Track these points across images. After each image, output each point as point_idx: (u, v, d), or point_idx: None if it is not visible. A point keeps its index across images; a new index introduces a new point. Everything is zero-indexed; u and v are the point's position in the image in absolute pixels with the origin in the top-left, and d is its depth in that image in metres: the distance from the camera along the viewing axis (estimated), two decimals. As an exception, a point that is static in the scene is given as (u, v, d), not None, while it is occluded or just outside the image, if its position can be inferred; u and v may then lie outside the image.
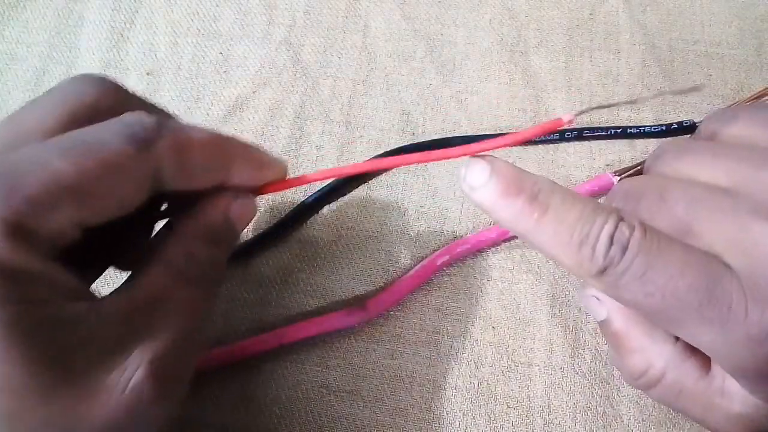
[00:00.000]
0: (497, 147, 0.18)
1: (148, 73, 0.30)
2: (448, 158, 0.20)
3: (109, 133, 0.16)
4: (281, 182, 0.20)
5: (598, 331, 0.25)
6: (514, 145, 0.21)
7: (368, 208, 0.27)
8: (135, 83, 0.30)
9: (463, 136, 0.28)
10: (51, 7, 0.32)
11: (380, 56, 0.30)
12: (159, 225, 0.20)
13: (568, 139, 0.28)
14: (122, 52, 0.31)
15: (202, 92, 0.30)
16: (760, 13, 0.30)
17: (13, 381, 0.14)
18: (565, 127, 0.17)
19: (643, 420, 0.24)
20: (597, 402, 0.24)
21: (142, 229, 0.21)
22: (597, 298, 0.20)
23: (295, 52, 0.31)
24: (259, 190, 0.20)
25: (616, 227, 0.16)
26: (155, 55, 0.31)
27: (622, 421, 0.24)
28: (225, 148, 0.19)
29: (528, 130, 0.18)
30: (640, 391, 0.24)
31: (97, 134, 0.16)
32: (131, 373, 0.16)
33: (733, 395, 0.18)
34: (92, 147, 0.16)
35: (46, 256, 0.15)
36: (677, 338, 0.19)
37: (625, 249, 0.16)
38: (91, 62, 0.31)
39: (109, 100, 0.18)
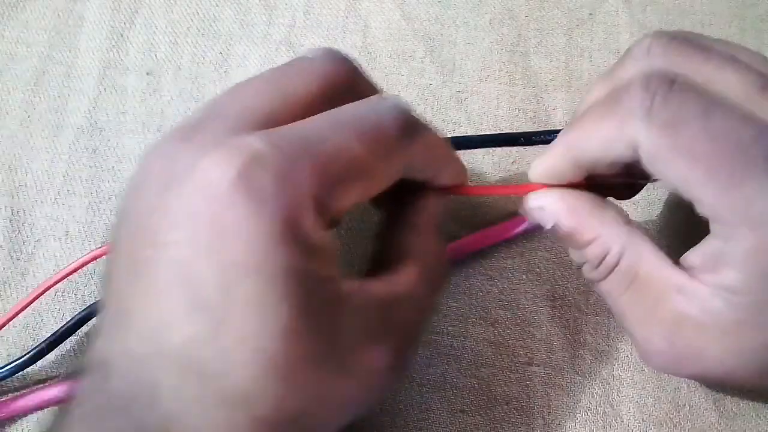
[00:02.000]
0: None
1: (148, 73, 0.30)
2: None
3: (387, 118, 0.17)
4: (465, 188, 0.22)
5: (599, 331, 0.25)
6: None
7: (368, 208, 0.27)
8: (135, 83, 0.30)
9: (463, 136, 0.28)
10: (51, 7, 0.32)
11: (380, 56, 0.30)
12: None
13: (568, 139, 0.28)
14: (122, 52, 0.31)
15: (202, 92, 0.30)
16: (760, 13, 0.30)
17: (299, 352, 0.15)
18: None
19: (643, 420, 0.24)
20: (597, 402, 0.24)
21: None
22: (542, 208, 0.20)
23: (295, 52, 0.31)
24: (451, 190, 0.21)
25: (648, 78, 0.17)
26: (155, 55, 0.31)
27: (622, 421, 0.24)
28: (449, 150, 0.21)
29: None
30: (641, 386, 0.24)
31: (378, 117, 0.17)
32: (380, 360, 0.17)
33: (694, 294, 0.17)
34: (379, 131, 0.17)
35: (333, 234, 0.16)
36: (629, 221, 0.19)
37: (672, 82, 0.16)
38: (91, 62, 0.31)
39: (355, 78, 0.19)
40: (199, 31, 0.31)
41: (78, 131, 0.29)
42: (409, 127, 0.18)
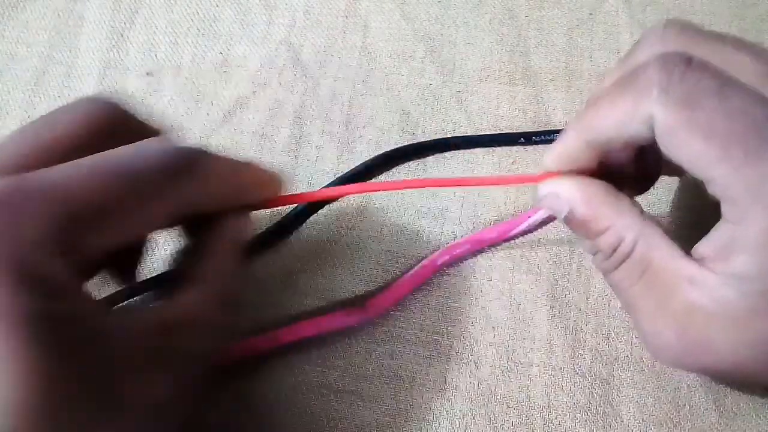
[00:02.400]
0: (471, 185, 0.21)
1: (148, 73, 0.30)
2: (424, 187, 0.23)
3: (145, 159, 0.17)
4: (280, 198, 0.21)
5: (599, 331, 0.25)
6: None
7: (368, 208, 0.27)
8: (135, 83, 0.30)
9: (463, 136, 0.28)
10: (51, 7, 0.32)
11: (380, 56, 0.30)
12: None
13: (568, 139, 0.28)
14: (122, 52, 0.31)
15: (202, 92, 0.30)
16: (760, 13, 0.30)
17: (53, 397, 0.14)
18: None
19: (643, 420, 0.24)
20: (597, 402, 0.24)
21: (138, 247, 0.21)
22: (556, 195, 0.20)
23: (295, 52, 0.31)
24: (258, 207, 0.21)
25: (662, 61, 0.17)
26: (155, 55, 0.31)
27: (622, 421, 0.24)
28: (245, 175, 0.20)
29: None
30: (641, 386, 0.24)
31: (133, 159, 0.17)
32: (159, 391, 0.16)
33: (704, 284, 0.17)
34: (130, 173, 0.17)
35: (82, 273, 0.16)
36: (642, 211, 0.19)
37: (689, 62, 0.16)
38: (91, 62, 0.31)
39: (125, 121, 0.19)
40: (199, 31, 0.31)
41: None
42: (177, 167, 0.17)
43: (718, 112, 0.16)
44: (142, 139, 0.18)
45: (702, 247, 0.18)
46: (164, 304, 0.18)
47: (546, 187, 0.20)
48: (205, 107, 0.30)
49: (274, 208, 0.24)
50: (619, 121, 0.18)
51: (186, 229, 0.21)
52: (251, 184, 0.20)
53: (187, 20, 0.32)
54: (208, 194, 0.19)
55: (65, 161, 0.16)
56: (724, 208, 0.17)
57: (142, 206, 0.17)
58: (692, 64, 0.17)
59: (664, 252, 0.18)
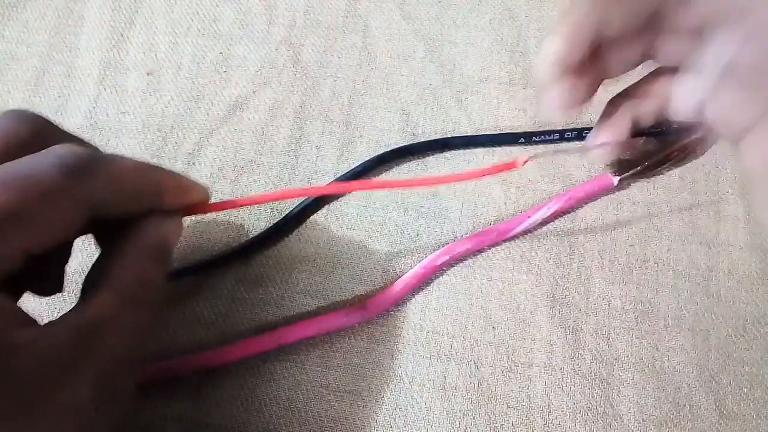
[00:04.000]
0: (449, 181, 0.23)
1: (148, 73, 0.30)
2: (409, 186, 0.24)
3: (45, 164, 0.17)
4: (206, 206, 0.22)
5: (599, 331, 0.25)
6: (468, 179, 0.24)
7: (368, 208, 0.27)
8: (135, 83, 0.30)
9: (463, 136, 0.28)
10: (51, 7, 0.32)
11: (380, 56, 0.30)
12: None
13: (568, 139, 0.28)
14: (122, 52, 0.31)
15: (202, 92, 0.30)
16: (760, 13, 0.30)
17: None
18: (518, 168, 0.21)
19: (643, 420, 0.24)
20: (597, 402, 0.24)
21: (60, 253, 0.21)
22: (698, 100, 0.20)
23: (295, 52, 0.31)
24: (185, 212, 0.21)
25: None
26: (155, 55, 0.31)
27: (622, 421, 0.24)
28: (153, 175, 0.20)
29: (481, 170, 0.21)
30: (641, 386, 0.24)
31: (33, 165, 0.17)
32: (77, 393, 0.17)
33: None
34: (30, 178, 0.17)
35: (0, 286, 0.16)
36: None
37: None
38: (91, 62, 0.31)
39: (40, 134, 0.19)
40: (199, 31, 0.31)
41: (78, 131, 0.29)
42: (78, 169, 0.18)
43: None
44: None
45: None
46: (76, 309, 0.18)
47: (689, 96, 0.20)
48: (205, 107, 0.30)
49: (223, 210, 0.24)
50: (634, 15, 0.18)
51: (101, 235, 0.21)
52: (164, 186, 0.20)
53: (187, 20, 0.32)
54: (115, 193, 0.19)
55: None
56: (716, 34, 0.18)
57: (45, 210, 0.17)
58: None
59: None
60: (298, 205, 0.27)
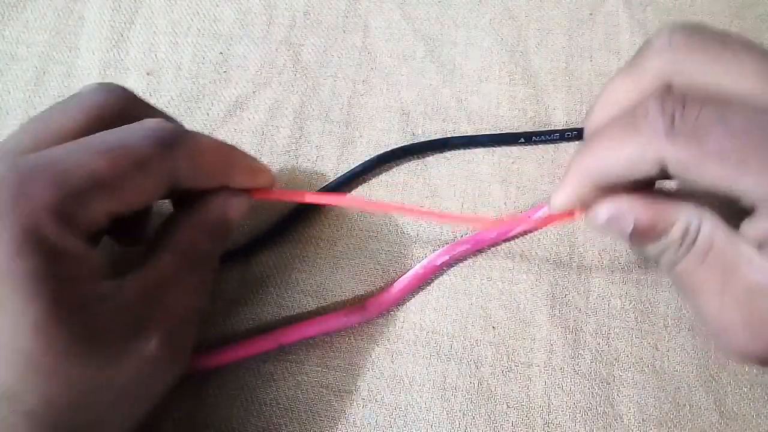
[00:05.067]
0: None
1: (148, 73, 0.30)
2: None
3: (137, 136, 0.19)
4: (271, 191, 0.23)
5: (599, 331, 0.25)
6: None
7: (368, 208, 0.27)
8: (135, 83, 0.30)
9: (463, 136, 0.28)
10: (51, 7, 0.32)
11: (380, 56, 0.30)
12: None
13: (568, 139, 0.28)
14: (122, 52, 0.31)
15: (202, 92, 0.30)
16: (759, 13, 0.30)
17: (56, 347, 0.16)
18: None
19: (643, 420, 0.24)
20: (597, 402, 0.24)
21: (143, 214, 0.24)
22: (619, 215, 0.20)
23: (295, 52, 0.31)
24: (251, 194, 0.23)
25: (662, 98, 0.17)
26: (155, 55, 0.31)
27: (622, 421, 0.24)
28: (229, 154, 0.22)
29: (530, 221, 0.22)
30: (641, 386, 0.24)
31: (127, 136, 0.19)
32: (149, 342, 0.18)
33: (762, 264, 0.17)
34: (124, 148, 0.19)
35: (83, 240, 0.18)
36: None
37: (684, 100, 0.17)
38: (91, 62, 0.31)
39: (128, 107, 0.21)
40: (199, 31, 0.31)
41: (78, 131, 0.29)
42: (166, 142, 0.19)
43: (725, 136, 0.17)
44: None
45: (752, 230, 0.18)
46: (140, 268, 0.20)
47: (604, 213, 0.20)
48: (205, 107, 0.30)
49: (270, 202, 0.25)
50: (628, 165, 0.18)
51: (175, 203, 0.23)
52: (237, 166, 0.22)
53: (187, 20, 0.32)
54: (195, 168, 0.20)
55: None
56: (762, 212, 0.17)
57: (135, 177, 0.19)
58: (688, 101, 0.17)
59: (722, 232, 0.18)
60: (298, 205, 0.27)
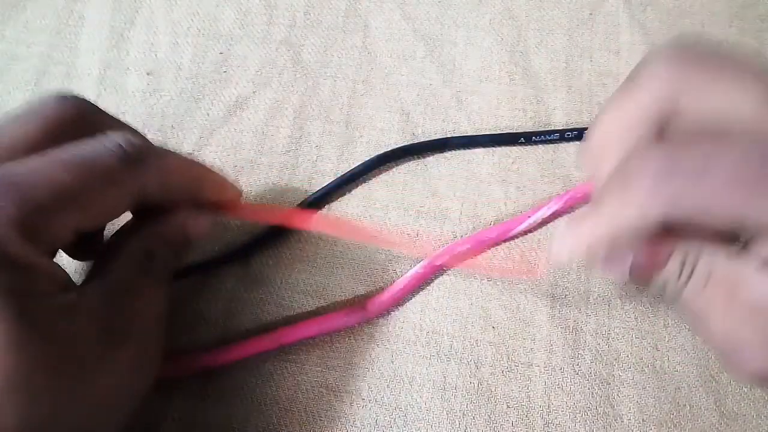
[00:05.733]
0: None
1: (148, 73, 0.30)
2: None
3: (104, 150, 0.19)
4: (236, 207, 0.24)
5: (599, 331, 0.25)
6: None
7: (368, 208, 0.27)
8: (135, 83, 0.30)
9: (463, 136, 0.28)
10: (51, 7, 0.32)
11: (380, 56, 0.30)
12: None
13: (568, 139, 0.28)
14: (122, 52, 0.31)
15: (202, 92, 0.30)
16: (759, 13, 0.30)
17: (28, 364, 0.16)
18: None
19: (643, 420, 0.24)
20: (597, 402, 0.24)
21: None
22: (617, 256, 0.20)
23: (295, 52, 0.31)
24: (217, 209, 0.23)
25: None
26: (155, 55, 0.31)
27: (622, 421, 0.24)
28: (197, 171, 0.22)
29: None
30: (641, 386, 0.24)
31: (93, 150, 0.19)
32: (120, 350, 0.18)
33: (762, 281, 0.17)
34: (91, 162, 0.18)
35: (47, 254, 0.18)
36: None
37: (672, 154, 0.17)
38: (91, 62, 0.31)
39: (87, 118, 0.21)
40: (199, 31, 0.31)
41: (78, 131, 0.29)
42: (133, 159, 0.19)
43: (724, 173, 0.16)
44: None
45: (763, 249, 0.18)
46: (96, 275, 0.20)
47: (601, 255, 0.20)
48: (205, 107, 0.30)
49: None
50: (630, 228, 0.18)
51: (138, 216, 0.23)
52: (204, 183, 0.22)
53: (187, 20, 0.32)
54: (163, 185, 0.20)
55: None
56: None
57: (102, 193, 0.18)
58: (676, 152, 0.17)
59: (722, 255, 0.18)
60: (298, 205, 0.27)
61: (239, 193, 0.24)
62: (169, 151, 0.21)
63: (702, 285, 0.19)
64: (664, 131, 0.18)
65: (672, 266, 0.19)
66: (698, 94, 0.18)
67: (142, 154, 0.19)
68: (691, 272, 0.19)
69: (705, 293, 0.19)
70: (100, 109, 0.22)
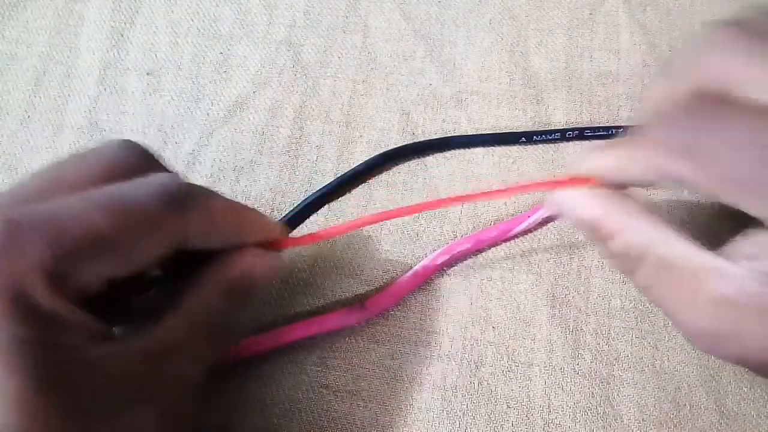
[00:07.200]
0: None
1: (148, 73, 0.30)
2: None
3: (145, 191, 0.17)
4: (283, 242, 0.22)
5: (599, 331, 0.25)
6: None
7: (368, 208, 0.27)
8: (135, 83, 0.30)
9: (463, 136, 0.28)
10: (51, 7, 0.32)
11: (380, 56, 0.30)
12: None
13: (569, 139, 0.28)
14: (122, 52, 0.31)
15: (202, 92, 0.30)
16: (760, 13, 0.30)
17: (40, 422, 0.15)
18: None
19: (643, 420, 0.24)
20: (597, 402, 0.24)
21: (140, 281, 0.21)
22: (563, 199, 0.20)
23: (295, 52, 0.31)
24: (271, 246, 0.21)
25: None
26: (155, 55, 0.31)
27: (622, 421, 0.24)
28: (242, 213, 0.20)
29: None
30: (641, 386, 0.24)
31: (133, 191, 0.17)
32: (143, 416, 0.17)
33: (729, 276, 0.17)
34: (130, 203, 0.17)
35: (76, 303, 0.16)
36: (652, 211, 0.19)
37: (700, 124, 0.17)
38: (91, 62, 0.31)
39: (144, 165, 0.19)
40: (199, 31, 0.31)
41: (78, 131, 0.29)
42: (176, 202, 0.18)
43: (740, 161, 0.17)
44: None
45: (731, 248, 0.18)
46: (142, 331, 0.18)
47: (558, 194, 0.20)
48: (205, 107, 0.30)
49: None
50: (650, 175, 0.18)
51: (180, 264, 0.20)
52: (249, 226, 0.20)
53: (187, 20, 0.32)
54: (203, 230, 0.19)
55: None
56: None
57: (139, 238, 0.17)
58: (704, 126, 0.17)
59: (681, 249, 0.18)
60: (298, 205, 0.27)
61: (284, 232, 0.22)
62: (214, 192, 0.20)
63: (655, 276, 0.18)
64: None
65: (614, 248, 0.19)
66: (752, 84, 0.18)
67: (185, 195, 0.18)
68: (639, 262, 0.19)
69: (663, 283, 0.18)
70: (158, 159, 0.20)
